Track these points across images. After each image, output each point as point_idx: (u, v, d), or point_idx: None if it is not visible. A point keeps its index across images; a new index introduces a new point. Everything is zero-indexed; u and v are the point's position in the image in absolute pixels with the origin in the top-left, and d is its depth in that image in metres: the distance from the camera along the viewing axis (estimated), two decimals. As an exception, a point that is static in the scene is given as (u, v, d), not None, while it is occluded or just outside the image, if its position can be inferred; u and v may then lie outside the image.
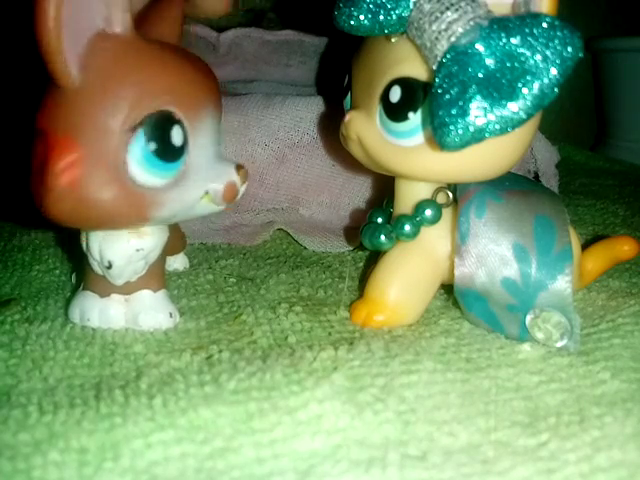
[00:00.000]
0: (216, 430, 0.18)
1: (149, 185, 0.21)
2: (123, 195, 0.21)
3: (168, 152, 0.21)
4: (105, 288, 0.24)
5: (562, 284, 0.22)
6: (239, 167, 0.23)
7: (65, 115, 0.20)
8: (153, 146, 0.20)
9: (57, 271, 0.31)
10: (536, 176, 0.37)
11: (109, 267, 0.23)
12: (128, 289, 0.24)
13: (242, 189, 0.23)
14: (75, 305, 0.25)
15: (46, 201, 0.20)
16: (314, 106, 0.35)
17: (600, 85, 0.71)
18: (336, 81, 0.27)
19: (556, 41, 0.19)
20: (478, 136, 0.20)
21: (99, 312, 0.25)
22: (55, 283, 0.30)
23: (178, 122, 0.21)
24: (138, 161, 0.20)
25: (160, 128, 0.21)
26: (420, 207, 0.24)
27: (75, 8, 0.19)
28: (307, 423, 0.19)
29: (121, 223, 0.22)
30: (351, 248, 0.35)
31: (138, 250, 0.23)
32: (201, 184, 0.22)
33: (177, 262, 0.31)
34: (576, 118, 0.74)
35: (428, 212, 0.24)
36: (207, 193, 0.22)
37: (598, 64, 0.69)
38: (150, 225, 0.23)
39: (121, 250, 0.23)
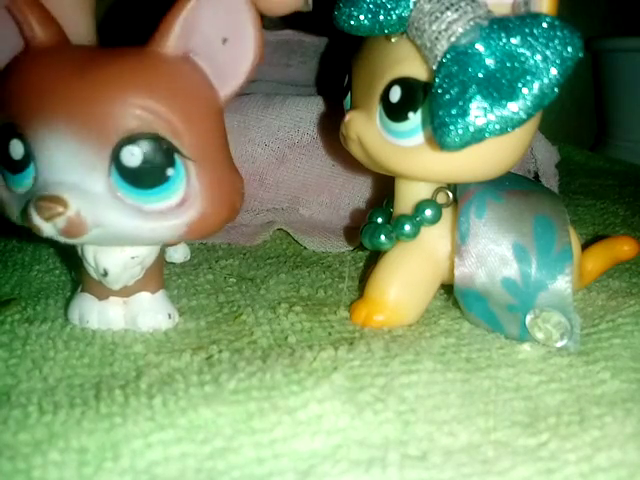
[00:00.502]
0: (216, 430, 0.18)
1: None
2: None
3: (9, 165, 0.21)
4: (103, 291, 0.24)
5: (562, 284, 0.22)
6: (40, 198, 0.19)
7: None
8: None
9: (57, 271, 0.31)
10: (536, 176, 0.37)
11: (105, 275, 0.23)
12: (126, 292, 0.24)
13: (58, 225, 0.20)
14: (74, 307, 0.25)
15: None
16: (314, 106, 0.35)
17: (600, 85, 0.71)
18: (336, 81, 0.27)
19: (556, 41, 0.19)
20: (478, 136, 0.20)
21: (98, 314, 0.25)
22: (55, 283, 0.30)
23: (18, 135, 0.20)
24: None
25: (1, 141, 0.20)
26: (420, 207, 0.24)
27: None
28: (307, 423, 0.19)
29: None
30: (351, 248, 0.35)
31: (133, 257, 0.23)
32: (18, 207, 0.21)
33: (178, 253, 0.30)
34: (576, 118, 0.74)
35: (428, 212, 0.24)
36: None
37: (598, 64, 0.69)
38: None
39: (116, 258, 0.22)
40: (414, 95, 0.22)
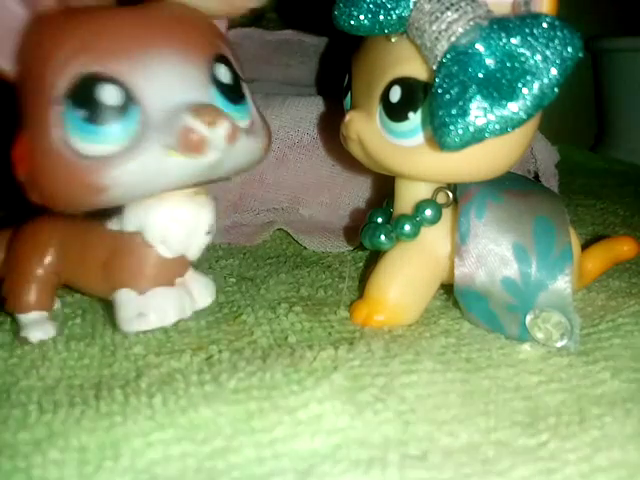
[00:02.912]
0: (216, 429, 0.18)
1: (94, 153, 0.19)
2: (72, 169, 0.19)
3: (101, 115, 0.19)
4: (170, 276, 0.23)
5: (562, 284, 0.22)
6: (198, 109, 0.19)
7: (19, 109, 0.20)
8: (83, 113, 0.19)
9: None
10: (536, 176, 0.37)
11: (209, 233, 0.23)
12: (185, 268, 0.24)
13: (218, 131, 0.20)
14: (147, 308, 0.23)
15: (28, 195, 0.21)
16: (314, 106, 0.35)
17: (600, 85, 0.71)
18: (336, 81, 0.27)
19: (556, 41, 0.19)
20: (478, 136, 0.20)
21: (179, 302, 0.23)
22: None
23: (108, 80, 0.19)
24: (74, 131, 0.19)
25: (85, 92, 0.19)
26: (420, 207, 0.24)
27: None
28: (307, 423, 0.19)
29: (85, 198, 0.20)
30: (351, 248, 0.35)
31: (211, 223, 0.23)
32: (157, 140, 0.19)
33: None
34: (576, 118, 0.74)
35: (428, 212, 0.24)
36: (171, 148, 0.20)
37: (598, 64, 0.69)
38: (125, 200, 0.21)
39: (211, 216, 0.23)
40: (414, 95, 0.22)
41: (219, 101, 0.21)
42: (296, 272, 0.32)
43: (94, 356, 0.23)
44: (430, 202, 0.24)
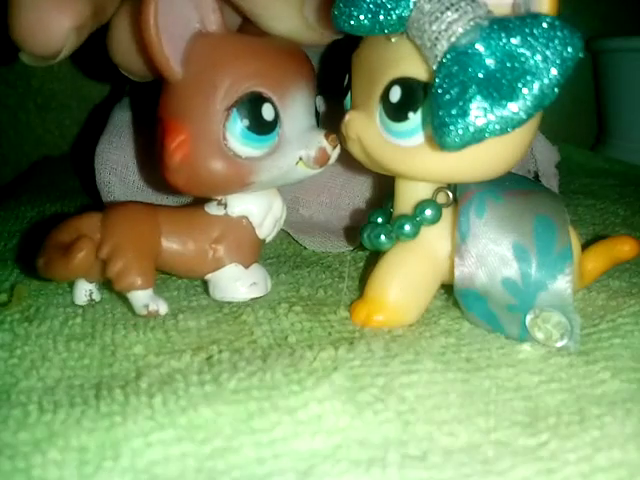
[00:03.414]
0: (216, 429, 0.18)
1: (247, 155, 0.24)
2: (226, 165, 0.24)
3: (260, 126, 0.24)
4: (255, 257, 0.28)
5: (562, 284, 0.22)
6: (328, 134, 0.26)
7: (174, 103, 0.24)
8: (246, 122, 0.24)
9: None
10: (536, 176, 0.37)
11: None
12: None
13: (334, 153, 0.26)
14: (255, 279, 0.27)
15: (168, 176, 0.25)
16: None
17: (600, 85, 0.71)
18: (336, 81, 0.27)
19: (556, 41, 0.19)
20: (478, 136, 0.20)
21: (264, 279, 0.28)
22: (55, 283, 0.30)
23: (268, 100, 0.24)
24: (235, 136, 0.24)
25: (251, 107, 0.24)
26: (420, 207, 0.24)
27: (171, 18, 0.23)
28: (307, 423, 0.19)
29: (227, 189, 0.26)
30: (351, 248, 0.35)
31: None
32: (295, 152, 0.25)
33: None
34: (576, 118, 0.74)
35: (428, 212, 0.24)
36: (301, 159, 0.25)
37: (598, 64, 0.69)
38: (254, 190, 0.26)
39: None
40: (414, 95, 0.22)
41: (326, 130, 0.26)
42: (296, 272, 0.32)
43: (94, 356, 0.23)
44: (430, 202, 0.24)
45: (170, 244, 0.26)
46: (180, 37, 0.24)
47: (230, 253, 0.27)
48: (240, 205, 0.27)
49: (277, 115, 0.25)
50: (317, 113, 0.27)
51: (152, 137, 0.26)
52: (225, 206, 0.27)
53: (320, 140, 0.25)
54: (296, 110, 0.25)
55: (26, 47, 0.23)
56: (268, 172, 0.25)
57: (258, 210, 0.27)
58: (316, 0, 0.26)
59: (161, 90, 0.25)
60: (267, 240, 0.28)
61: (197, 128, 0.24)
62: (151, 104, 0.26)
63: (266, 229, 0.27)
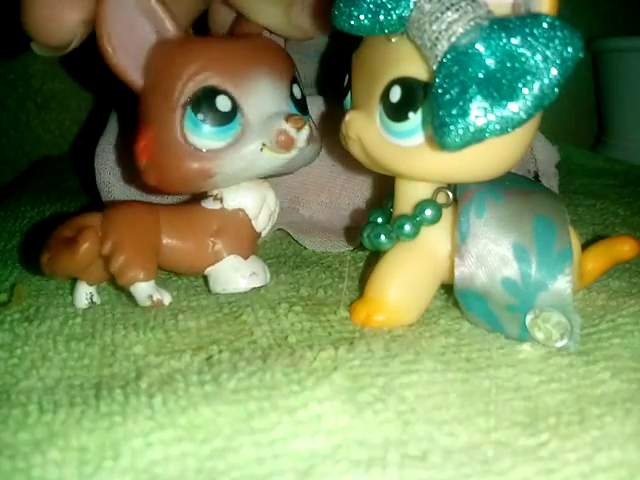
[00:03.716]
0: (216, 429, 0.18)
1: (209, 148, 0.25)
2: (187, 160, 0.25)
3: (216, 118, 0.25)
4: (255, 248, 0.29)
5: (562, 284, 0.22)
6: (290, 117, 0.26)
7: (140, 110, 0.26)
8: (201, 116, 0.25)
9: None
10: (536, 176, 0.37)
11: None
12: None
13: (301, 135, 0.26)
14: (243, 270, 0.28)
15: (142, 175, 0.26)
16: (314, 106, 0.35)
17: (600, 85, 0.71)
18: (336, 81, 0.27)
19: (556, 41, 0.19)
20: (478, 136, 0.20)
21: (263, 271, 0.29)
22: (55, 283, 0.30)
23: (222, 92, 0.25)
24: (193, 131, 0.25)
25: (204, 100, 0.25)
26: (420, 207, 0.24)
27: (124, 31, 0.25)
28: (307, 423, 0.19)
29: (195, 183, 0.26)
30: (351, 248, 0.35)
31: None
32: (257, 139, 0.26)
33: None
34: (576, 118, 0.74)
35: (428, 212, 0.24)
36: (264, 145, 0.26)
37: (598, 64, 0.69)
38: (225, 183, 0.27)
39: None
40: (414, 95, 0.22)
41: (295, 112, 0.27)
42: (296, 272, 0.32)
43: (94, 356, 0.23)
44: (430, 202, 0.24)
45: (171, 240, 0.27)
46: (138, 48, 0.25)
47: (229, 245, 0.27)
48: (235, 198, 0.27)
49: (235, 105, 0.25)
50: (303, 99, 0.28)
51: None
52: (221, 200, 0.27)
53: (280, 123, 0.26)
54: (259, 98, 0.26)
55: (39, 38, 0.25)
56: (231, 162, 0.26)
57: (253, 203, 0.28)
58: (304, 3, 0.29)
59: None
60: (263, 234, 0.29)
61: (158, 130, 0.25)
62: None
63: (262, 222, 0.28)
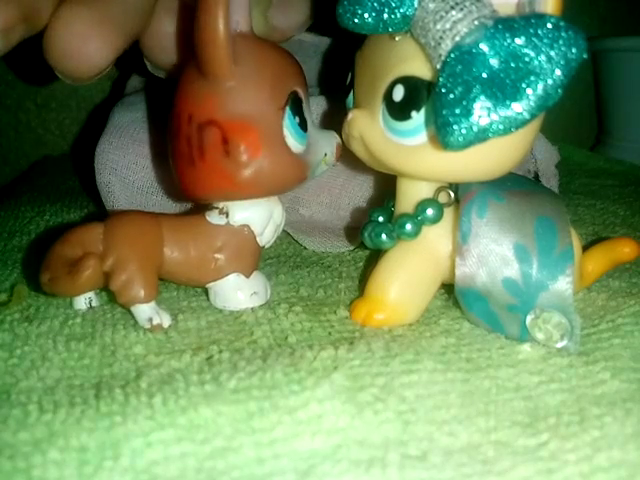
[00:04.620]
0: (216, 429, 0.18)
1: (298, 152, 0.25)
2: (289, 162, 0.25)
3: (304, 124, 0.26)
4: (255, 265, 0.28)
5: (563, 285, 0.22)
6: (335, 133, 0.28)
7: (233, 104, 0.24)
8: (297, 119, 0.25)
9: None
10: (536, 176, 0.37)
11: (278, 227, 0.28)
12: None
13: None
14: (243, 290, 0.27)
15: (232, 176, 0.24)
16: (315, 106, 0.35)
17: (600, 85, 0.71)
18: (336, 80, 0.27)
19: (560, 42, 0.19)
20: (482, 136, 0.20)
21: (264, 288, 0.28)
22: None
23: (302, 100, 0.26)
24: (291, 132, 0.25)
25: (297, 104, 0.25)
26: (422, 206, 0.24)
27: (230, 17, 0.23)
28: (307, 423, 0.19)
29: (289, 186, 0.26)
30: (351, 248, 0.35)
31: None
32: (321, 148, 0.27)
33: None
34: (576, 118, 0.74)
35: (430, 211, 0.24)
36: (325, 155, 0.27)
37: (598, 64, 0.69)
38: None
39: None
40: (417, 94, 0.22)
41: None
42: (296, 272, 0.32)
43: (94, 356, 0.23)
44: (432, 201, 0.24)
45: (173, 254, 0.26)
46: (231, 35, 0.24)
47: (231, 262, 0.27)
48: (242, 214, 0.26)
49: (304, 119, 0.26)
50: None
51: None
52: (227, 215, 0.27)
53: (337, 137, 0.27)
54: (308, 111, 0.27)
55: (65, 73, 0.25)
56: (310, 169, 0.26)
57: (259, 219, 0.27)
58: (280, 5, 0.29)
59: (197, 91, 0.25)
60: (266, 246, 0.28)
61: (261, 127, 0.24)
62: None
63: (267, 237, 0.28)
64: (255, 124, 0.24)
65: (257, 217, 0.27)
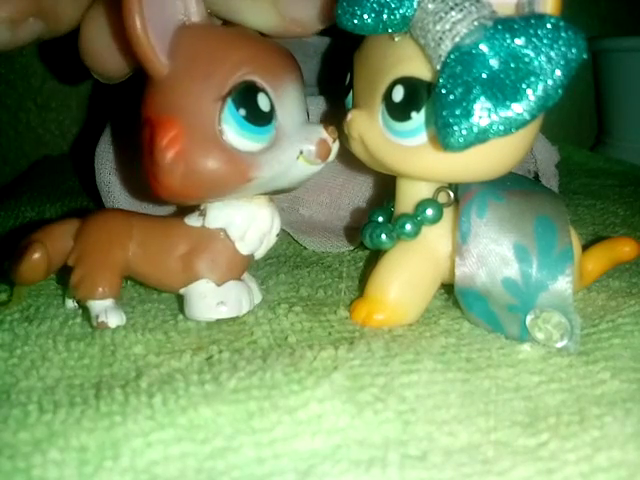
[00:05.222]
0: (216, 429, 0.18)
1: (246, 150, 0.23)
2: (224, 160, 0.22)
3: (258, 117, 0.23)
4: (242, 272, 0.26)
5: (563, 285, 0.22)
6: (327, 126, 0.25)
7: (162, 99, 0.23)
8: (243, 112, 0.22)
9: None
10: (536, 176, 0.37)
11: (277, 235, 0.26)
12: (247, 268, 0.27)
13: (334, 147, 0.25)
14: (228, 297, 0.25)
15: (159, 177, 0.23)
16: (314, 106, 0.35)
17: (600, 85, 0.71)
18: (337, 81, 0.27)
19: (560, 42, 0.19)
20: (482, 137, 0.20)
21: (248, 294, 0.26)
22: (55, 283, 0.30)
23: (262, 90, 0.23)
24: (232, 127, 0.22)
25: (246, 96, 0.23)
26: (421, 206, 0.24)
27: (156, 8, 0.22)
28: (307, 422, 0.19)
29: (227, 186, 0.23)
30: (351, 248, 0.35)
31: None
32: (295, 145, 0.24)
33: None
34: (576, 118, 0.74)
35: (429, 211, 0.24)
36: (301, 153, 0.24)
37: (598, 64, 0.69)
38: (253, 191, 0.25)
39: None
40: (417, 95, 0.22)
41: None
42: (296, 272, 0.32)
43: (94, 356, 0.23)
44: (431, 201, 0.24)
45: (139, 253, 0.25)
46: (165, 29, 0.22)
47: (202, 268, 0.25)
48: (219, 216, 0.25)
49: (272, 107, 0.23)
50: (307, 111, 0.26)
51: (137, 144, 0.24)
52: (204, 217, 0.25)
53: (320, 131, 0.24)
54: (290, 103, 0.24)
55: (99, 72, 0.25)
56: (269, 167, 0.23)
57: (237, 222, 0.25)
58: None
59: (144, 89, 0.24)
60: (257, 256, 0.26)
61: (190, 121, 0.22)
62: (133, 110, 0.25)
63: (250, 244, 0.25)
64: (181, 119, 0.22)
65: (233, 220, 0.25)
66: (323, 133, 0.24)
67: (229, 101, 0.22)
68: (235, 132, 0.22)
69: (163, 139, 0.22)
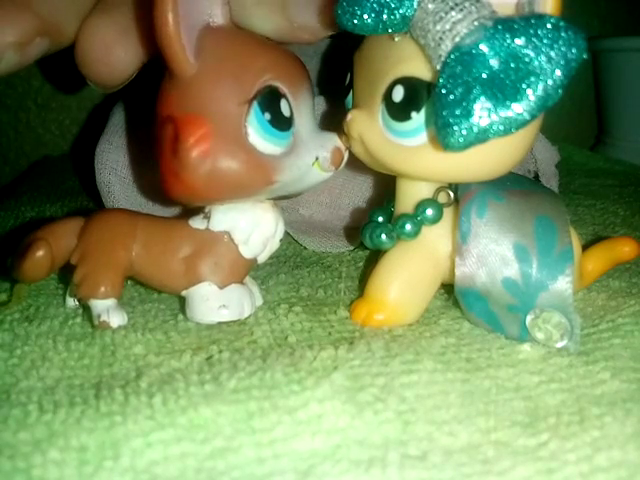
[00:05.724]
0: (216, 429, 0.18)
1: (268, 153, 0.23)
2: (250, 161, 0.23)
3: (280, 121, 0.23)
4: (244, 274, 0.26)
5: (563, 285, 0.22)
6: (340, 135, 0.25)
7: (188, 98, 0.23)
8: (268, 116, 0.23)
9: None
10: (536, 176, 0.37)
11: (280, 240, 0.26)
12: (249, 272, 0.27)
13: (346, 155, 0.25)
14: (230, 301, 0.25)
15: (181, 175, 0.23)
16: (314, 106, 0.35)
17: (600, 85, 0.71)
18: (337, 81, 0.27)
19: (560, 42, 0.19)
20: (482, 137, 0.20)
21: (250, 298, 0.26)
22: (55, 283, 0.30)
23: (283, 96, 0.23)
24: (257, 130, 0.23)
25: (271, 100, 0.23)
26: (421, 206, 0.24)
27: (187, 7, 0.22)
28: (307, 422, 0.19)
29: (250, 188, 0.24)
30: (351, 248, 0.35)
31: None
32: (311, 151, 0.24)
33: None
34: (576, 118, 0.74)
35: (429, 211, 0.24)
36: (317, 159, 0.24)
37: (598, 64, 0.69)
38: (269, 195, 0.25)
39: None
40: (417, 95, 0.22)
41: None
42: (296, 272, 0.32)
43: (94, 356, 0.23)
44: (431, 201, 0.24)
45: (142, 254, 0.25)
46: (193, 28, 0.22)
47: (204, 270, 0.25)
48: (222, 219, 0.25)
49: (292, 113, 0.24)
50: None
51: (150, 142, 0.24)
52: (209, 219, 0.25)
53: (335, 140, 0.25)
54: (305, 110, 0.25)
55: (95, 80, 0.26)
56: (289, 171, 0.24)
57: (242, 226, 0.25)
58: (301, 2, 0.27)
59: (164, 88, 0.24)
60: (259, 261, 0.26)
61: (217, 122, 0.22)
62: (148, 106, 0.25)
63: (253, 247, 0.25)
64: (208, 119, 0.22)
65: (238, 223, 0.25)
66: (337, 141, 0.25)
67: (255, 104, 0.23)
68: (259, 135, 0.23)
69: (190, 137, 0.22)
